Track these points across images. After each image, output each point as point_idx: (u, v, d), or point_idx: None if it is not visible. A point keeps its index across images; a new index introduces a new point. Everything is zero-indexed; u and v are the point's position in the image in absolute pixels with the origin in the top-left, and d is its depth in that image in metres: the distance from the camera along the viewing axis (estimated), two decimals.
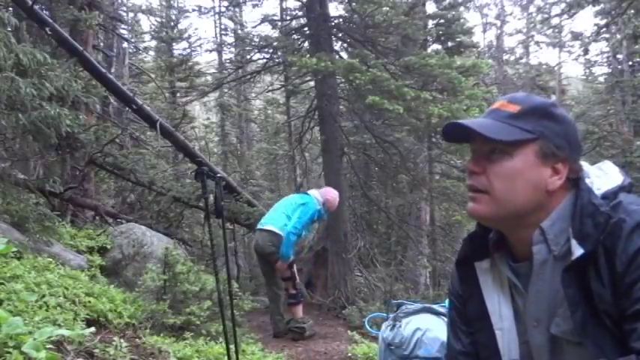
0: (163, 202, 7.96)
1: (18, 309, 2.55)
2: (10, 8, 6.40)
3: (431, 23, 15.54)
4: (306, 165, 15.05)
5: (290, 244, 5.49)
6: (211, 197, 2.98)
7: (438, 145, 14.21)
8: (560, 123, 1.11)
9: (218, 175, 3.31)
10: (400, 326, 2.50)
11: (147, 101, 11.94)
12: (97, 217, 7.56)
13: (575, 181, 1.11)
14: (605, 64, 21.17)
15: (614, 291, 0.97)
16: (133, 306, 3.81)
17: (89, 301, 3.30)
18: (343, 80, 11.73)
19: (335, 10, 13.30)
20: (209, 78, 17.34)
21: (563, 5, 19.58)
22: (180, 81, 16.29)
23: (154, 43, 18.96)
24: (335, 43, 12.76)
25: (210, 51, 19.24)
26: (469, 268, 1.23)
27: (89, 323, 3.03)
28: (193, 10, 17.13)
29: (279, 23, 14.33)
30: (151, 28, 18.81)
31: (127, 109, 9.19)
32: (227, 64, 17.42)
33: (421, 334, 2.44)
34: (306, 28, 12.87)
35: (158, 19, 17.85)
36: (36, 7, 6.35)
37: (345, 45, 13.37)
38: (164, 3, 18.09)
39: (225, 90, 16.44)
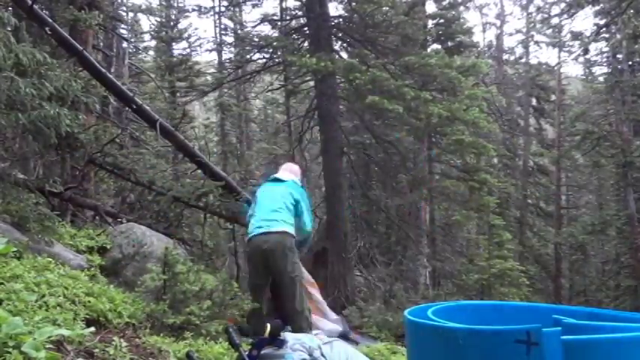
0: (163, 202, 7.94)
1: (18, 309, 2.54)
2: (10, 8, 6.39)
3: (431, 23, 15.54)
4: (306, 165, 15.05)
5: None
6: None
7: (438, 145, 14.21)
8: None
9: None
10: None
11: (147, 101, 11.93)
12: (97, 217, 7.55)
13: None
14: (605, 64, 21.17)
15: None
16: (133, 306, 3.81)
17: (89, 301, 3.29)
18: (343, 80, 11.73)
19: (335, 9, 13.32)
20: (209, 78, 17.35)
21: (563, 5, 19.59)
22: (179, 81, 16.29)
23: (153, 43, 18.99)
24: (335, 43, 12.77)
25: (210, 51, 19.30)
26: None
27: (89, 323, 3.03)
28: (193, 10, 17.09)
29: (279, 23, 14.32)
30: (150, 27, 18.85)
31: (127, 108, 9.18)
32: (227, 64, 17.43)
33: None
34: (305, 28, 12.86)
35: (158, 19, 17.85)
36: (36, 6, 6.35)
37: (345, 45, 13.37)
38: (164, 3, 18.08)
39: (225, 90, 16.44)
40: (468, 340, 1.26)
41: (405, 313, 1.50)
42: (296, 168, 5.28)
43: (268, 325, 2.48)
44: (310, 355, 2.52)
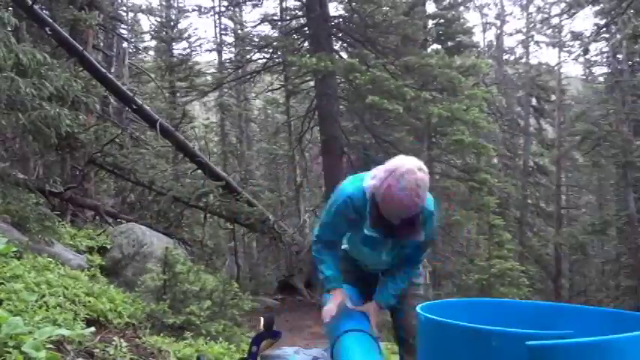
0: (163, 202, 7.95)
1: (18, 309, 2.54)
2: (10, 8, 6.40)
3: (431, 23, 15.52)
4: (306, 165, 15.04)
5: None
6: None
7: (438, 145, 14.21)
8: None
9: None
10: None
11: (147, 101, 11.93)
12: (97, 217, 7.56)
13: None
14: (605, 64, 21.16)
15: None
16: (133, 306, 3.81)
17: (89, 301, 3.29)
18: (343, 80, 11.73)
19: (335, 10, 13.30)
20: (209, 78, 17.33)
21: (563, 5, 19.58)
22: (180, 81, 16.27)
23: (153, 43, 18.97)
24: (335, 43, 12.77)
25: (210, 51, 19.27)
26: None
27: (89, 323, 3.03)
28: (193, 10, 17.09)
29: (279, 23, 14.32)
30: (150, 28, 18.83)
31: (127, 108, 9.19)
32: (227, 64, 17.42)
33: None
34: (306, 28, 12.87)
35: (158, 19, 17.85)
36: (36, 7, 6.36)
37: (345, 45, 13.37)
38: (164, 3, 18.08)
39: (225, 90, 16.43)
40: (500, 343, 1.24)
41: (419, 310, 1.48)
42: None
43: (262, 319, 2.47)
44: (314, 357, 2.52)
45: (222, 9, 17.21)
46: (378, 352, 2.17)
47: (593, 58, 21.82)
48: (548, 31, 22.80)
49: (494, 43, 23.84)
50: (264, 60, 13.67)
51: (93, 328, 2.47)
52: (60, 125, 4.22)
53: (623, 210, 17.75)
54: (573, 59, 23.78)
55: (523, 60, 23.89)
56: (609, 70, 20.06)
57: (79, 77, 6.31)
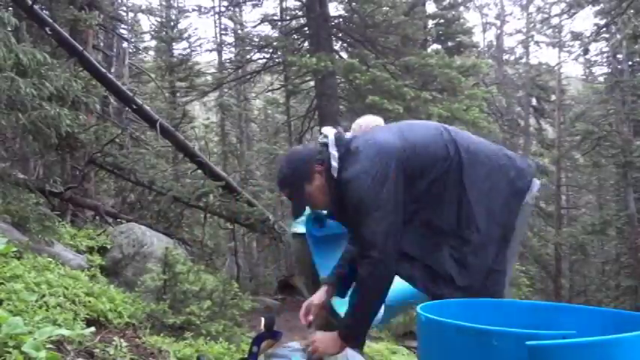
0: (163, 202, 7.95)
1: (18, 309, 2.54)
2: (10, 8, 6.40)
3: (431, 23, 15.54)
4: None
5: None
6: None
7: None
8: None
9: None
10: None
11: (147, 101, 11.94)
12: (97, 217, 7.56)
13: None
14: (605, 64, 21.19)
15: None
16: (133, 306, 3.80)
17: (89, 301, 3.29)
18: (343, 80, 11.74)
19: (335, 10, 13.31)
20: (209, 78, 17.33)
21: (563, 5, 19.60)
22: (180, 81, 16.27)
23: (153, 43, 18.97)
24: (335, 43, 12.78)
25: (210, 51, 19.27)
26: None
27: (89, 323, 3.03)
28: (193, 10, 17.09)
29: (279, 23, 14.34)
30: (150, 28, 18.84)
31: (127, 109, 9.19)
32: (227, 64, 17.43)
33: None
34: (306, 28, 12.87)
35: (158, 19, 17.86)
36: (36, 6, 6.36)
37: (345, 45, 13.38)
38: (164, 3, 18.08)
39: (225, 90, 16.44)
40: (500, 342, 1.24)
41: (419, 310, 1.48)
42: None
43: (262, 319, 2.48)
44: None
45: (222, 9, 17.22)
46: None
47: (593, 58, 21.87)
48: (548, 31, 22.84)
49: (494, 43, 23.86)
50: (264, 60, 13.69)
51: (93, 328, 2.47)
52: (60, 125, 4.22)
53: (623, 210, 17.76)
54: (573, 59, 23.83)
55: (523, 60, 23.91)
56: (609, 70, 20.08)
57: (79, 77, 6.31)
